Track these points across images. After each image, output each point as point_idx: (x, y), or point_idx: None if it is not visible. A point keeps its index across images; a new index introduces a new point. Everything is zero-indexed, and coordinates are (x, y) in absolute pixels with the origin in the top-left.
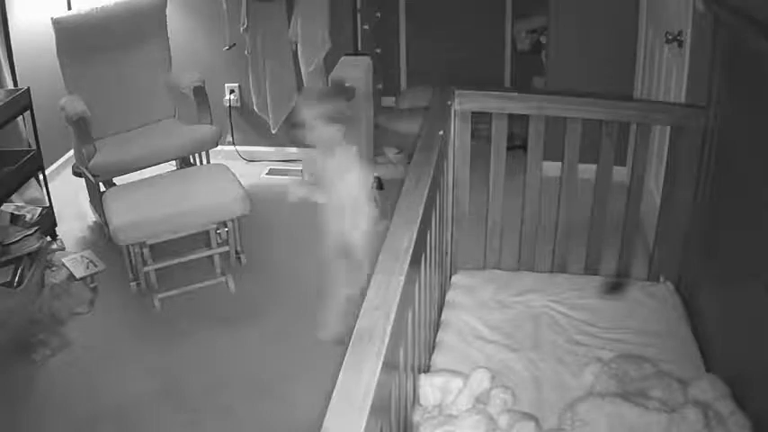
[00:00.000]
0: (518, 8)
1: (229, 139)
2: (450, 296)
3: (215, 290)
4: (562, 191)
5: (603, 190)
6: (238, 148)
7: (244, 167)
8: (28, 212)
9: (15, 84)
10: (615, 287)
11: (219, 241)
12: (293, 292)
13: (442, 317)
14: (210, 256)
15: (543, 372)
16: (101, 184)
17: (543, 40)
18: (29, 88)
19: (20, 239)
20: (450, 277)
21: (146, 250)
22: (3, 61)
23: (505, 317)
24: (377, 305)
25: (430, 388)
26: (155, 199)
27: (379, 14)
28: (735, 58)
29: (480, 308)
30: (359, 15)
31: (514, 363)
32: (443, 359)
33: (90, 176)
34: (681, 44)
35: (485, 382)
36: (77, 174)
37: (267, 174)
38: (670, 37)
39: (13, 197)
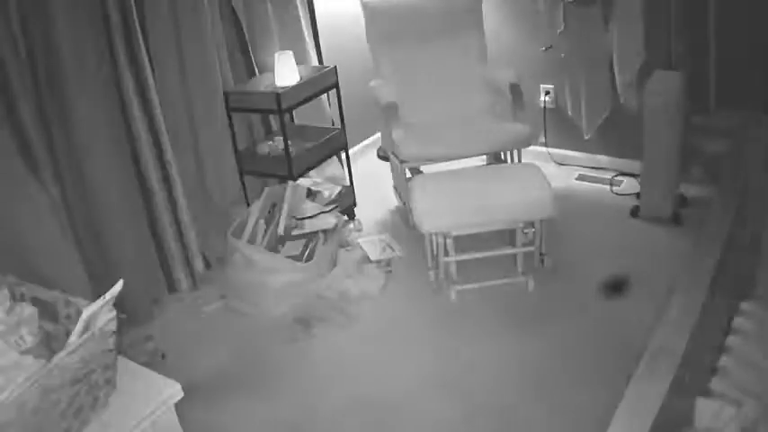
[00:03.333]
0: None
1: (542, 140)
2: (737, 323)
3: (513, 289)
4: None
5: None
6: (550, 150)
7: (553, 170)
8: (326, 189)
9: (321, 62)
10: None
11: (525, 241)
12: (592, 302)
13: (727, 342)
14: (513, 255)
15: None
16: (407, 170)
17: None
18: (335, 67)
19: (315, 215)
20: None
21: (449, 241)
22: (308, 39)
23: None
24: (675, 324)
25: (705, 412)
26: (462, 191)
27: (689, 34)
28: None
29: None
30: (672, 33)
31: None
32: (722, 385)
33: (397, 161)
34: None
35: (753, 413)
36: (382, 157)
37: (576, 179)
38: None
39: (312, 173)
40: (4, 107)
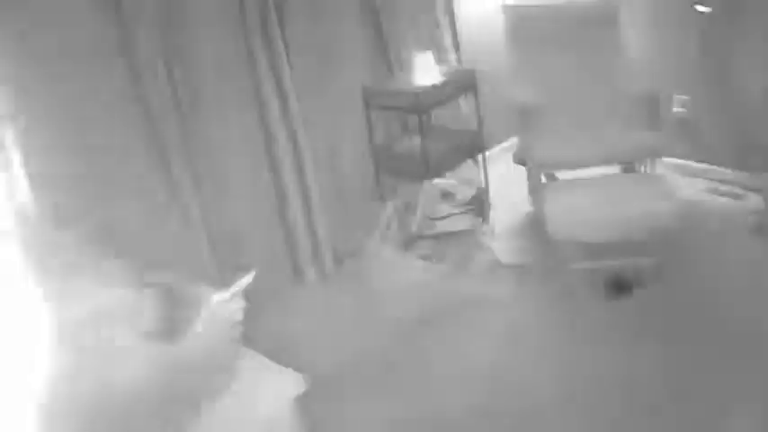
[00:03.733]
0: None
1: (674, 150)
2: None
3: (644, 299)
4: None
5: None
6: (680, 161)
7: (682, 181)
8: (461, 191)
9: (460, 63)
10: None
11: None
12: (709, 317)
13: None
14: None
15: None
16: (542, 175)
17: None
18: (474, 69)
19: (449, 216)
20: None
21: (579, 248)
22: (448, 40)
23: None
24: None
25: None
26: (594, 200)
27: None
28: None
29: None
30: None
31: None
32: None
33: (533, 166)
34: None
35: None
36: (518, 162)
37: (704, 191)
38: None
39: (448, 174)
40: (132, 86)
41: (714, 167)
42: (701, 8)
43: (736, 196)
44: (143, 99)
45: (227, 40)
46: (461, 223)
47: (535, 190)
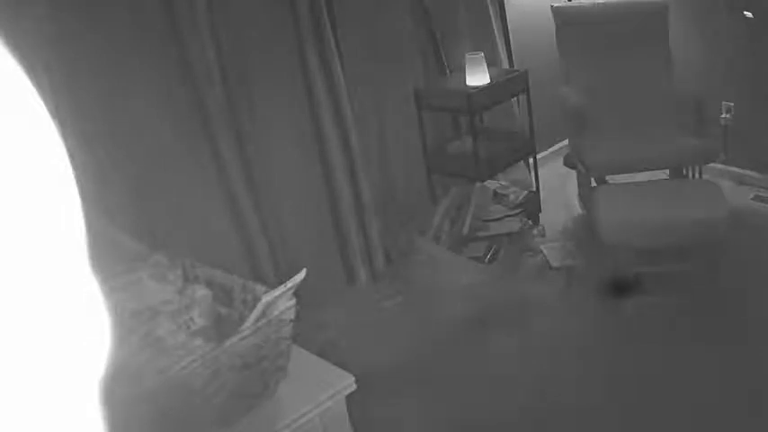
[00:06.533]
0: None
1: (722, 157)
2: None
3: (690, 307)
4: None
5: None
6: (729, 168)
7: (732, 188)
8: (512, 193)
9: (511, 65)
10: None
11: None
12: (757, 321)
13: None
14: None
15: None
16: (592, 179)
17: None
18: (527, 71)
19: (500, 218)
20: None
21: (630, 253)
22: (499, 41)
23: None
24: None
25: None
26: (644, 205)
27: None
28: None
29: None
30: None
31: None
32: None
33: (583, 170)
34: None
35: None
36: (569, 164)
37: (752, 199)
38: None
39: (500, 175)
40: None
41: (761, 175)
42: (748, 14)
43: None
44: (198, 101)
45: (280, 42)
46: (512, 225)
47: (586, 193)
